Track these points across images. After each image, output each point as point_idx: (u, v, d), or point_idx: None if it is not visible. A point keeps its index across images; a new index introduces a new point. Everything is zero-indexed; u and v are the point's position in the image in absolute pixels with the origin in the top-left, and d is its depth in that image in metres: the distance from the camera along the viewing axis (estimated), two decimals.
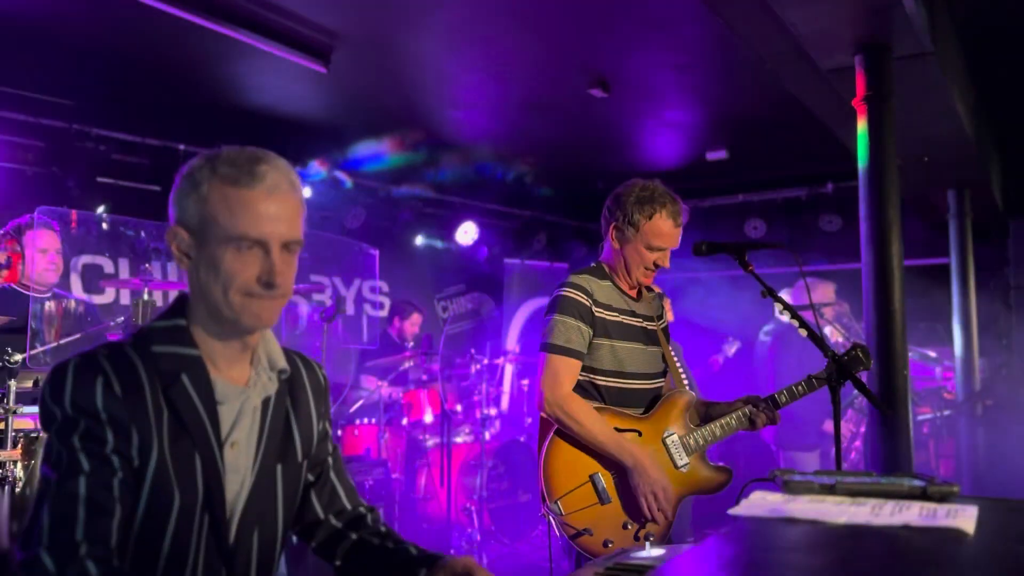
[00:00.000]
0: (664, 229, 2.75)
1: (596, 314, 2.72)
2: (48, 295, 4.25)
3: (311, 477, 1.73)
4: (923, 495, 1.33)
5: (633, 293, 2.87)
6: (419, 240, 8.56)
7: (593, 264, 2.89)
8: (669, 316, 5.05)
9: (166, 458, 1.43)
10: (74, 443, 1.38)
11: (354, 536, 1.74)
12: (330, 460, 1.77)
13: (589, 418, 2.62)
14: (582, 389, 2.71)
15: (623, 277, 2.84)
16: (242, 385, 1.56)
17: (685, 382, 4.48)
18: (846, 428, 5.30)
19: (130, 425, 1.41)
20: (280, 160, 1.55)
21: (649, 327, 2.87)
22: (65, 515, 1.34)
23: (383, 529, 1.77)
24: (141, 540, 1.43)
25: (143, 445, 1.42)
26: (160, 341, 1.50)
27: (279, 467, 1.60)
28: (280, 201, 1.50)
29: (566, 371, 2.67)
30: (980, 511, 1.20)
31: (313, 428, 1.70)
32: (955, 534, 1.10)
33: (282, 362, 1.62)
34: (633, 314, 2.83)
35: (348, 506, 1.78)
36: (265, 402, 1.59)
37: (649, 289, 2.97)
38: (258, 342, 1.60)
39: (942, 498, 1.31)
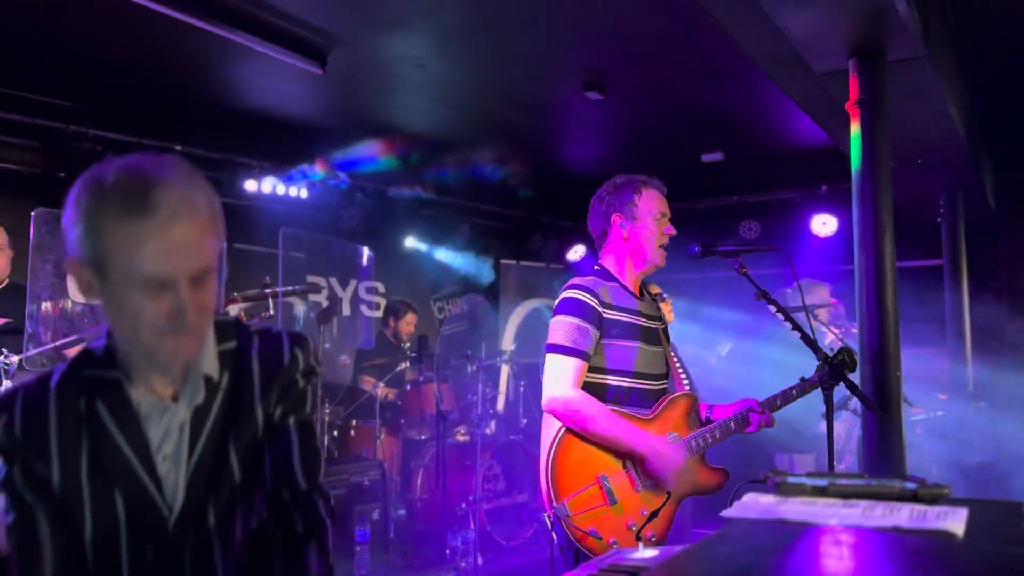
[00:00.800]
0: (657, 196, 2.87)
1: (604, 315, 2.74)
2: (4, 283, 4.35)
3: (243, 473, 1.51)
4: (914, 497, 1.34)
5: (637, 292, 2.90)
6: (411, 245, 8.57)
7: (596, 267, 2.91)
8: (670, 317, 5.07)
9: (80, 491, 1.39)
10: (2, 482, 1.40)
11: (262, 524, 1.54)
12: (274, 435, 1.53)
13: (601, 414, 2.65)
14: (588, 389, 2.72)
15: (629, 275, 2.87)
16: (168, 400, 1.44)
17: (686, 383, 4.51)
18: (841, 430, 5.31)
19: (32, 463, 1.39)
20: (176, 174, 1.33)
21: (652, 327, 2.90)
22: (11, 559, 1.36)
23: (299, 530, 1.50)
24: (67, 568, 1.41)
25: (60, 479, 1.39)
26: (92, 363, 1.44)
27: (211, 494, 1.45)
28: (182, 228, 1.30)
29: (574, 371, 2.69)
30: (970, 513, 1.21)
31: (257, 422, 1.50)
32: (945, 536, 1.12)
33: (211, 368, 1.47)
34: (638, 314, 2.85)
35: (271, 482, 1.53)
36: (197, 412, 1.45)
37: (649, 291, 3.00)
38: (191, 356, 1.43)
39: (933, 500, 1.33)
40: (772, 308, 2.78)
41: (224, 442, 1.46)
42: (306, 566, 1.46)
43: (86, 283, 1.34)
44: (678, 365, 4.59)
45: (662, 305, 4.57)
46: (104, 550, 1.40)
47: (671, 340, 4.81)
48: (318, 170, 7.16)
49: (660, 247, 2.84)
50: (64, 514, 1.39)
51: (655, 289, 4.59)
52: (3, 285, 4.37)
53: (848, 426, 5.38)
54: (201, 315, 1.36)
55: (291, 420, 1.54)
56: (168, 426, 1.43)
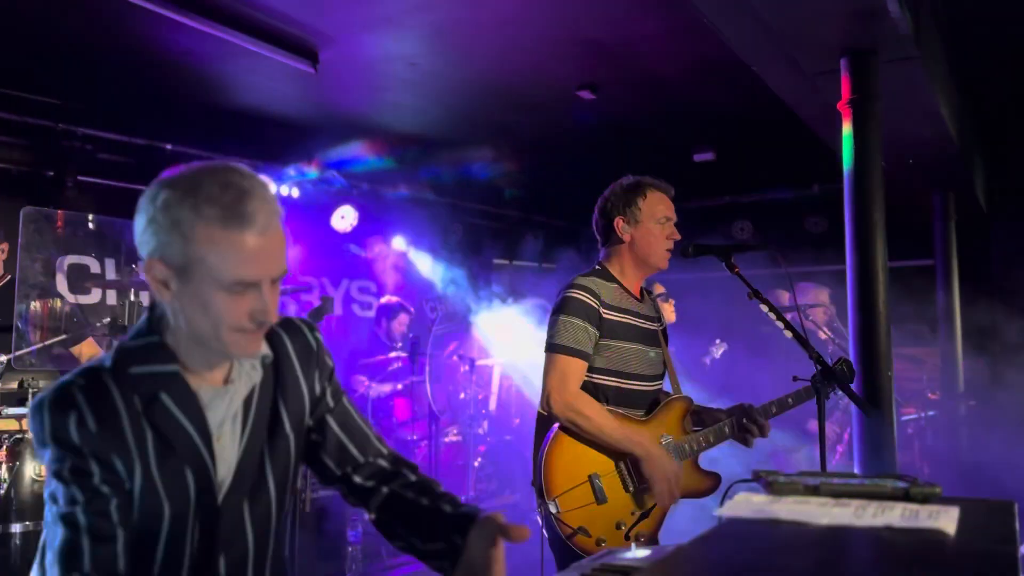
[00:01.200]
0: (663, 199, 2.86)
1: (604, 316, 2.74)
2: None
3: (317, 438, 1.70)
4: (906, 496, 1.35)
5: (637, 294, 2.89)
6: (403, 245, 8.55)
7: (597, 267, 2.90)
8: (672, 317, 5.05)
9: (154, 479, 1.44)
10: (65, 475, 1.40)
11: (385, 490, 1.71)
12: (329, 418, 1.71)
13: (598, 414, 2.65)
14: (585, 389, 2.72)
15: (630, 276, 2.87)
16: (226, 385, 1.55)
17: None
18: (831, 430, 5.33)
19: (110, 455, 1.42)
20: (264, 189, 1.46)
21: (651, 328, 2.90)
22: (71, 546, 1.38)
23: (414, 479, 1.73)
24: (135, 552, 1.45)
25: (127, 471, 1.43)
26: (137, 362, 1.48)
27: (266, 445, 1.59)
28: (271, 239, 1.43)
29: (573, 371, 2.69)
30: (961, 512, 1.21)
31: (303, 397, 1.66)
32: (936, 535, 1.12)
33: (264, 348, 1.58)
34: (637, 315, 2.85)
35: (361, 459, 1.73)
36: (250, 391, 1.58)
37: (649, 292, 3.00)
38: None
39: (924, 499, 1.33)
40: (764, 307, 2.79)
41: (277, 414, 1.61)
42: (443, 491, 1.70)
43: (162, 282, 1.43)
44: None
45: (664, 305, 4.59)
46: (173, 530, 1.46)
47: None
48: (310, 169, 7.15)
49: (663, 250, 2.84)
50: (131, 504, 1.44)
51: (659, 289, 4.60)
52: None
53: (839, 426, 5.40)
54: (275, 314, 1.48)
55: (344, 399, 1.75)
56: (228, 408, 1.53)
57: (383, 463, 1.74)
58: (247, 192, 1.41)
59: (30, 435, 3.46)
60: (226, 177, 1.41)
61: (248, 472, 1.56)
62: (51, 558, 1.38)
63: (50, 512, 1.42)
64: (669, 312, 4.68)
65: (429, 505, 1.65)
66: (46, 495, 1.43)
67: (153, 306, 1.54)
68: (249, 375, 1.57)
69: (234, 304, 1.42)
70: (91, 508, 1.39)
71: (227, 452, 1.53)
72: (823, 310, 5.47)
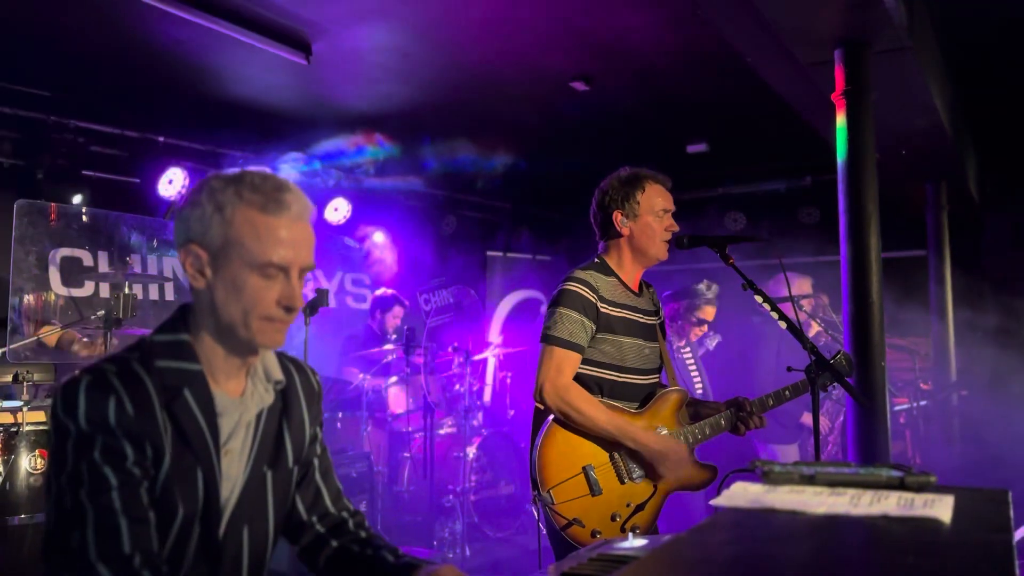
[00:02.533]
0: (661, 191, 2.86)
1: (601, 309, 2.75)
2: None
3: (298, 477, 1.75)
4: (901, 485, 1.35)
5: (636, 287, 2.90)
6: (397, 237, 8.55)
7: (595, 260, 2.90)
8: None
9: (172, 471, 1.48)
10: (95, 459, 1.41)
11: (335, 543, 1.77)
12: (316, 462, 1.79)
13: (590, 406, 2.67)
14: (580, 382, 2.73)
15: (629, 269, 2.87)
16: (239, 397, 1.60)
17: (699, 385, 4.51)
18: (823, 422, 5.35)
19: (144, 439, 1.45)
20: (299, 188, 1.59)
21: (649, 322, 2.90)
22: (107, 527, 1.39)
23: (363, 535, 1.79)
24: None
25: (156, 456, 1.46)
26: (163, 356, 1.53)
27: (269, 472, 1.64)
28: (303, 229, 1.56)
29: (567, 363, 2.70)
30: (956, 500, 1.22)
31: (305, 433, 1.73)
32: (932, 523, 1.12)
33: (278, 374, 1.66)
34: (635, 309, 2.85)
35: (332, 510, 1.80)
36: (260, 413, 1.63)
37: (648, 285, 3.00)
38: (257, 357, 1.64)
39: (919, 488, 1.34)
40: (758, 298, 2.79)
41: (281, 442, 1.67)
42: (387, 543, 1.78)
43: (199, 267, 1.52)
44: (694, 365, 4.61)
45: (696, 329, 4.61)
46: (181, 532, 1.49)
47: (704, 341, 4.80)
48: (303, 161, 7.13)
49: (661, 242, 2.84)
50: (155, 492, 1.46)
51: (705, 314, 4.61)
52: None
53: (831, 417, 5.42)
54: (300, 306, 1.55)
55: (327, 452, 1.83)
56: (238, 421, 1.58)
57: (346, 516, 1.82)
58: (285, 185, 1.55)
59: (27, 428, 3.47)
60: (267, 173, 1.57)
61: (250, 499, 1.60)
62: (82, 544, 1.37)
63: (70, 498, 1.40)
64: (695, 335, 4.71)
65: (372, 555, 1.73)
66: (60, 482, 1.42)
67: (184, 307, 1.60)
68: (261, 396, 1.63)
69: (265, 289, 1.51)
70: (125, 490, 1.41)
71: (233, 470, 1.57)
72: (809, 301, 5.49)
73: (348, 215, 7.71)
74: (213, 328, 1.55)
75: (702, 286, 4.69)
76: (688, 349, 4.66)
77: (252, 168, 1.58)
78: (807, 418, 5.02)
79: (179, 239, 1.55)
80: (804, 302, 5.33)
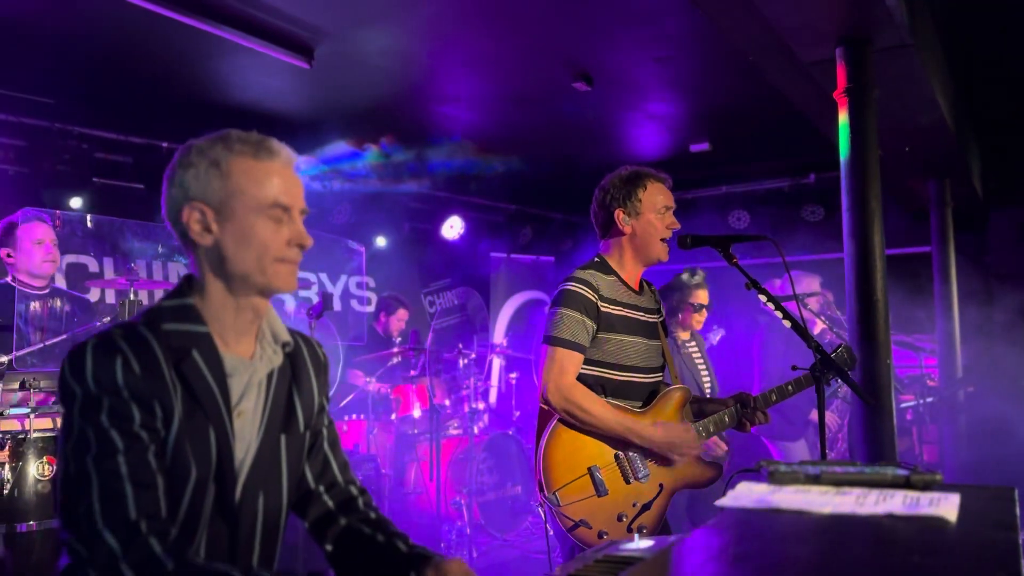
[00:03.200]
0: (662, 189, 2.86)
1: (602, 309, 2.75)
2: (47, 291, 4.23)
3: (308, 444, 1.76)
4: (906, 484, 1.36)
5: (636, 286, 2.90)
6: (401, 240, 8.56)
7: (596, 259, 2.90)
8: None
9: (183, 430, 1.48)
10: (102, 422, 1.41)
11: (344, 521, 1.75)
12: (324, 432, 1.80)
13: (596, 405, 2.67)
14: (583, 382, 2.73)
15: (629, 268, 2.87)
16: (249, 358, 1.61)
17: (707, 380, 4.47)
18: (832, 419, 5.34)
19: (152, 399, 1.45)
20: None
21: (650, 320, 2.90)
22: (113, 493, 1.38)
23: (373, 516, 1.78)
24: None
25: (166, 417, 1.47)
26: (169, 320, 1.54)
27: (283, 436, 1.65)
28: (294, 174, 1.63)
29: (569, 363, 2.70)
30: (962, 499, 1.22)
31: (314, 400, 1.74)
32: (938, 522, 1.13)
33: (286, 335, 1.69)
34: (636, 308, 2.86)
35: (340, 480, 1.80)
36: (270, 374, 1.64)
37: (649, 284, 3.01)
38: (264, 318, 1.66)
39: (925, 486, 1.34)
40: (762, 297, 2.79)
41: (292, 406, 1.68)
42: (397, 530, 1.77)
43: (204, 227, 1.55)
44: (700, 359, 4.57)
45: (696, 315, 4.58)
46: (195, 494, 1.50)
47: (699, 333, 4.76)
48: (306, 165, 7.14)
49: (662, 240, 2.84)
50: (165, 454, 1.46)
51: (698, 298, 4.57)
52: (47, 291, 4.27)
53: (840, 414, 5.41)
54: (309, 244, 1.61)
55: (334, 425, 1.84)
56: (248, 382, 1.59)
57: (354, 491, 1.81)
58: (268, 137, 1.63)
59: (34, 435, 3.47)
60: (248, 132, 1.64)
61: (265, 463, 1.61)
62: (87, 509, 1.37)
63: (75, 463, 1.40)
64: (697, 322, 4.65)
65: (384, 541, 1.71)
66: (67, 447, 1.42)
67: (188, 276, 1.62)
68: (270, 358, 1.65)
69: (274, 231, 1.56)
70: (130, 454, 1.41)
71: (247, 431, 1.58)
72: (817, 299, 5.48)
73: (352, 218, 7.73)
74: (223, 284, 1.57)
75: (684, 276, 4.65)
76: (694, 344, 4.62)
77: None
78: (815, 415, 5.01)
79: (176, 202, 1.57)
80: (811, 300, 5.32)
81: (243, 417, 1.58)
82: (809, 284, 5.44)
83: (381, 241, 8.35)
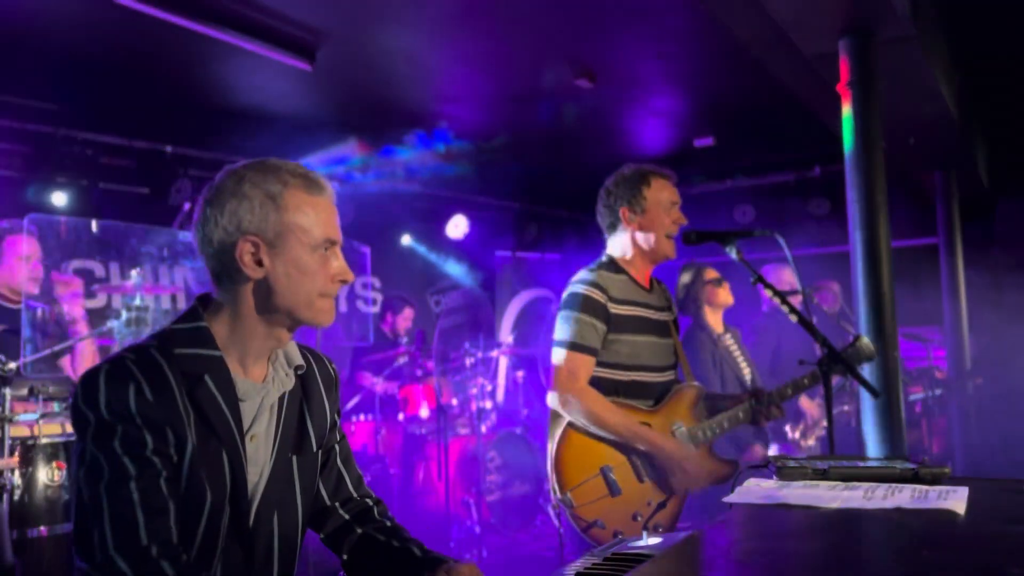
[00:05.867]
0: (667, 186, 2.87)
1: (612, 310, 2.75)
2: (18, 307, 4.03)
3: (321, 462, 1.77)
4: (915, 477, 1.35)
5: (646, 284, 2.89)
6: (406, 240, 8.56)
7: (604, 258, 2.90)
8: (729, 299, 4.92)
9: (197, 456, 1.48)
10: (115, 448, 1.42)
11: (359, 530, 1.77)
12: (337, 448, 1.81)
13: (606, 410, 2.67)
14: (596, 383, 2.73)
15: (639, 265, 2.87)
16: (261, 382, 1.62)
17: (747, 372, 4.40)
18: (813, 408, 5.21)
19: (164, 426, 1.45)
20: None
21: (661, 319, 2.90)
22: (125, 519, 1.39)
23: (388, 524, 1.80)
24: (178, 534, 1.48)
25: (179, 442, 1.47)
26: (182, 344, 1.54)
27: (295, 457, 1.66)
28: (335, 207, 1.65)
29: (580, 366, 2.70)
30: (971, 492, 1.22)
31: (326, 418, 1.75)
32: (947, 515, 1.12)
33: (299, 359, 1.69)
34: (647, 306, 2.85)
35: (355, 495, 1.82)
36: (282, 397, 1.65)
37: (659, 282, 3.00)
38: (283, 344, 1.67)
39: (933, 480, 1.33)
40: (768, 292, 2.78)
41: (304, 427, 1.69)
42: (411, 536, 1.79)
43: (256, 259, 1.55)
44: (738, 352, 4.51)
45: (718, 290, 4.53)
46: (211, 519, 1.50)
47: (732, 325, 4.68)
48: (308, 167, 7.14)
49: (668, 237, 2.84)
50: (179, 480, 1.47)
51: (713, 274, 4.53)
52: (18, 308, 4.11)
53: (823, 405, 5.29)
54: (348, 280, 1.64)
55: (346, 440, 1.86)
56: (260, 405, 1.60)
57: (369, 502, 1.84)
58: (311, 169, 1.64)
59: (43, 441, 3.49)
60: (282, 160, 1.63)
61: (278, 485, 1.62)
62: (100, 535, 1.38)
63: (88, 490, 1.41)
64: (725, 296, 4.56)
65: (400, 547, 1.72)
66: (80, 475, 1.43)
67: (201, 297, 1.63)
68: (283, 381, 1.66)
69: (324, 267, 1.59)
70: (143, 480, 1.41)
71: (259, 455, 1.59)
72: (832, 295, 5.45)
73: (357, 218, 7.71)
74: (263, 315, 1.58)
75: (685, 270, 4.60)
76: (730, 336, 4.52)
77: (270, 159, 1.63)
78: (803, 402, 4.98)
79: (227, 234, 1.55)
80: (825, 295, 5.28)
81: (256, 441, 1.59)
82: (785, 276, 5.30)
83: (386, 242, 8.35)
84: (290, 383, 1.67)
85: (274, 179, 1.56)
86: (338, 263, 1.61)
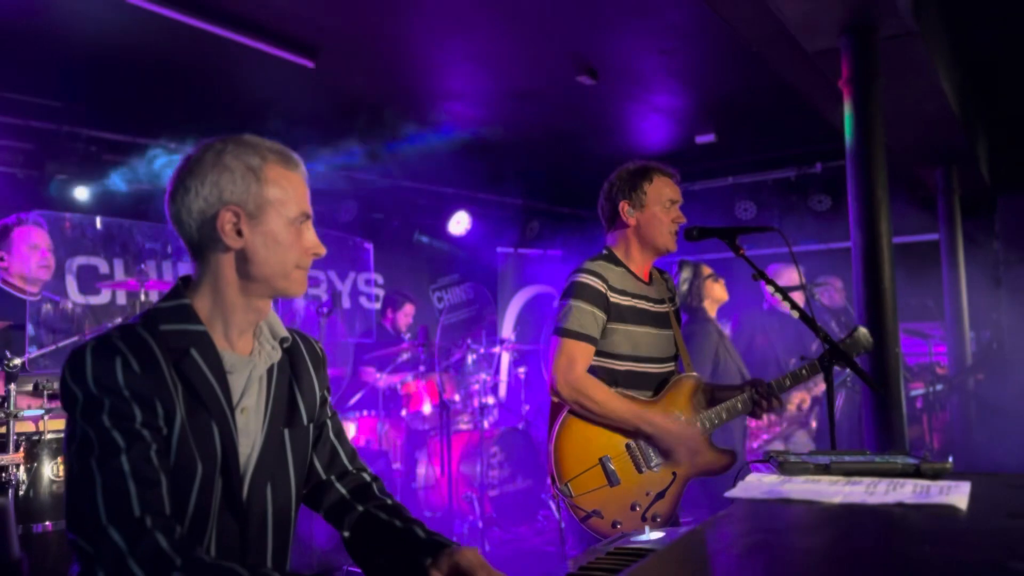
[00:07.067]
0: (669, 183, 2.87)
1: (611, 300, 2.76)
2: (38, 297, 4.18)
3: (313, 437, 1.79)
4: (917, 472, 1.36)
5: (645, 277, 2.91)
6: (409, 236, 8.57)
7: (604, 251, 2.91)
8: (724, 296, 4.95)
9: (186, 428, 1.50)
10: (103, 422, 1.42)
11: (360, 508, 1.77)
12: (329, 423, 1.83)
13: (606, 395, 2.68)
14: (595, 373, 2.74)
15: (637, 259, 2.88)
16: (247, 355, 1.64)
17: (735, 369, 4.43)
18: (802, 394, 5.19)
19: (153, 398, 1.46)
20: None
21: (661, 310, 2.91)
22: (117, 491, 1.39)
23: (389, 502, 1.80)
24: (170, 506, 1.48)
25: (167, 415, 1.48)
26: (167, 320, 1.56)
27: (287, 431, 1.68)
28: (307, 183, 1.69)
29: (580, 355, 2.71)
30: (973, 487, 1.22)
31: (315, 393, 1.77)
32: (948, 510, 1.13)
33: (283, 331, 1.72)
34: (646, 298, 2.86)
35: (350, 468, 1.83)
36: (270, 370, 1.68)
37: (662, 272, 3.01)
38: (264, 316, 1.70)
39: (935, 475, 1.34)
40: (769, 288, 2.79)
41: (294, 400, 1.72)
42: (413, 516, 1.79)
43: (236, 229, 1.58)
44: (730, 357, 4.53)
45: (715, 285, 4.56)
46: (203, 490, 1.51)
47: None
48: (312, 163, 7.15)
49: (668, 233, 2.85)
50: (169, 452, 1.48)
51: (708, 270, 4.56)
52: (38, 297, 4.21)
53: (811, 398, 5.29)
54: (320, 254, 1.68)
55: (336, 415, 1.88)
56: (249, 378, 1.62)
57: (366, 477, 1.84)
58: (284, 146, 1.67)
59: (48, 436, 3.50)
60: (257, 137, 1.66)
61: (270, 457, 1.63)
62: (92, 509, 1.38)
63: (78, 464, 1.42)
64: (721, 291, 4.60)
65: (402, 527, 1.72)
66: (71, 451, 1.44)
67: (183, 277, 1.66)
68: (269, 354, 1.68)
69: (298, 239, 1.63)
70: (133, 453, 1.42)
71: (251, 427, 1.61)
72: (835, 291, 5.45)
73: (359, 215, 7.73)
74: (240, 285, 1.61)
75: (685, 274, 4.62)
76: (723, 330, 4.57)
77: (246, 135, 1.66)
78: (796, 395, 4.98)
79: (208, 204, 1.57)
80: (826, 290, 5.28)
81: (246, 413, 1.60)
82: (790, 277, 5.33)
83: (389, 238, 8.36)
84: (277, 355, 1.69)
85: (253, 153, 1.60)
86: (311, 236, 1.66)
